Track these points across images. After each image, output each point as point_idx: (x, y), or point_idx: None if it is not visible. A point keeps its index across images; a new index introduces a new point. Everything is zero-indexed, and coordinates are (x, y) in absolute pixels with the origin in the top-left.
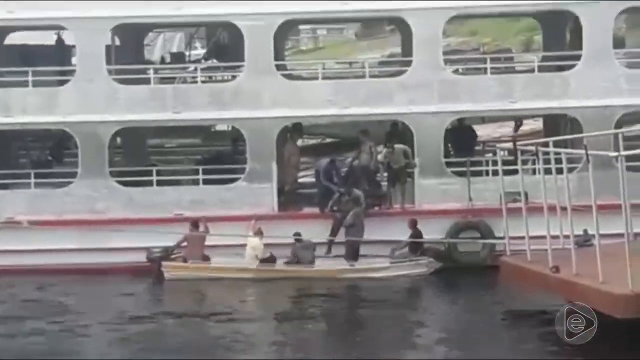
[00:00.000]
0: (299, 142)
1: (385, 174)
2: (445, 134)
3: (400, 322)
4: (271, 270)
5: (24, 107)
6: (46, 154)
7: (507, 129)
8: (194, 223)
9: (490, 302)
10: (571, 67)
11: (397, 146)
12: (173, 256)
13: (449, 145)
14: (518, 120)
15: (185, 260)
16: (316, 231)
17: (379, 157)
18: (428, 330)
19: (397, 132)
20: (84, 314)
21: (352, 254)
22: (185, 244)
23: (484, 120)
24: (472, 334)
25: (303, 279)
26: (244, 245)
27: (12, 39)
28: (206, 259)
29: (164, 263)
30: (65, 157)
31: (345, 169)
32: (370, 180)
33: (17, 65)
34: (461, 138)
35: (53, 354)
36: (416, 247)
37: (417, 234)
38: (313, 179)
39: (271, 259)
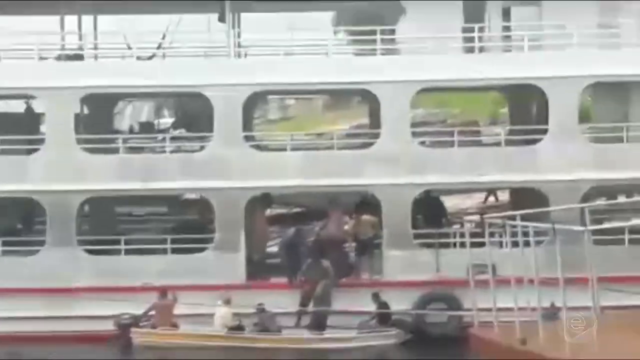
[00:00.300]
0: (267, 212)
1: (353, 244)
2: (413, 205)
3: None
4: (240, 337)
5: None
6: (14, 222)
7: (475, 200)
8: (162, 292)
9: None
10: (537, 141)
11: (365, 217)
12: (141, 324)
13: (418, 216)
14: (489, 192)
15: (154, 328)
16: (285, 301)
17: (346, 227)
18: None
19: (366, 202)
20: None
21: (318, 324)
22: (153, 312)
23: (451, 191)
24: None
25: (270, 349)
26: (212, 315)
27: None
28: (175, 327)
29: (132, 329)
30: (34, 225)
31: (312, 238)
32: (337, 250)
33: None
34: (429, 209)
35: None
36: (384, 318)
37: (383, 304)
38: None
39: (240, 327)
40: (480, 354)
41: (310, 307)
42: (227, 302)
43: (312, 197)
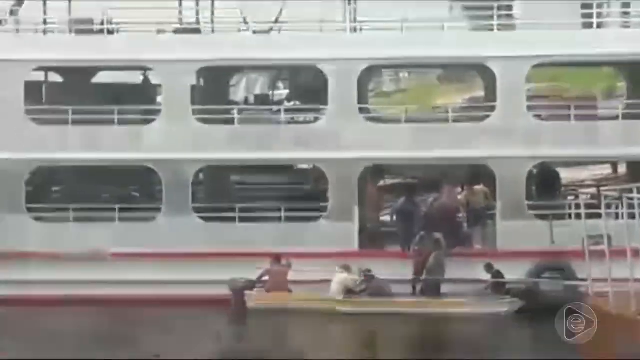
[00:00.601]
0: (381, 182)
1: (466, 215)
2: (529, 176)
3: None
4: (354, 302)
5: (111, 144)
6: (131, 190)
7: (590, 172)
8: (276, 258)
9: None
10: None
11: (477, 187)
12: (256, 288)
13: (534, 188)
14: (613, 165)
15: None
16: (398, 270)
17: (460, 197)
18: None
19: (477, 174)
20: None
21: (432, 292)
22: (266, 278)
23: (567, 164)
24: None
25: (385, 313)
26: (326, 281)
27: (100, 77)
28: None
29: (247, 293)
30: (151, 193)
31: (425, 209)
32: (451, 221)
33: (105, 103)
34: (546, 181)
35: None
36: (499, 288)
37: (497, 274)
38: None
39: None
40: (595, 324)
41: (424, 277)
42: (347, 268)
43: (426, 169)
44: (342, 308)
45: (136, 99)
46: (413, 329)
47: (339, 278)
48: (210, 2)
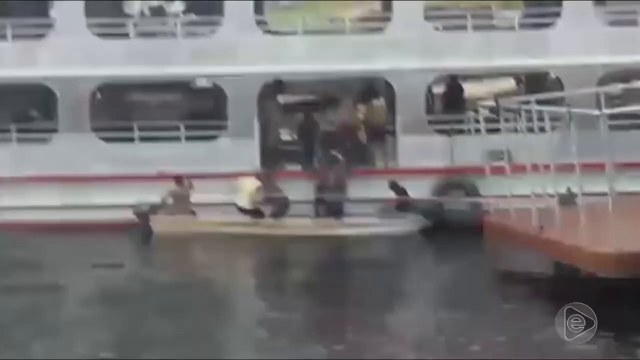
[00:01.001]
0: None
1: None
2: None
3: (386, 282)
4: (260, 224)
5: (2, 61)
6: (27, 109)
7: (486, 88)
8: (178, 179)
9: (475, 261)
10: (551, 24)
11: (375, 102)
12: (160, 212)
13: (440, 103)
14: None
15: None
16: (298, 189)
17: (359, 115)
18: (414, 289)
19: (373, 89)
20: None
21: (335, 213)
22: (170, 200)
23: (464, 77)
24: (456, 293)
25: (290, 236)
26: (226, 204)
27: None
28: (193, 214)
29: (152, 217)
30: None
31: (324, 126)
32: (351, 138)
33: None
34: (451, 96)
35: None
36: (404, 205)
37: (402, 191)
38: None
39: (259, 213)
40: (498, 241)
41: (326, 196)
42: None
43: (325, 85)
44: (246, 231)
45: (29, 12)
46: (317, 250)
47: (247, 185)
48: None
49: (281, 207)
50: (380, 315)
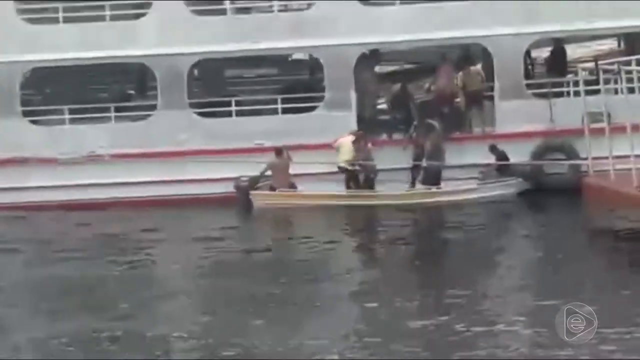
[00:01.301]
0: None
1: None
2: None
3: (485, 245)
4: (361, 195)
5: (101, 42)
6: (125, 87)
7: (586, 49)
8: (278, 151)
9: (575, 222)
10: None
11: (473, 68)
12: (260, 185)
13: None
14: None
15: (272, 189)
16: (396, 157)
17: (456, 81)
18: (511, 254)
19: (469, 56)
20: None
21: (432, 180)
22: (269, 172)
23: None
24: (556, 254)
25: (392, 205)
26: (326, 174)
27: None
28: (293, 186)
29: (252, 192)
30: (147, 90)
31: (421, 95)
32: (448, 104)
33: None
34: (554, 60)
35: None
36: (503, 169)
37: (502, 155)
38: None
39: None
40: (597, 202)
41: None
42: (356, 135)
43: (422, 54)
44: (345, 202)
45: None
46: (417, 217)
47: (348, 145)
48: None
49: (368, 175)
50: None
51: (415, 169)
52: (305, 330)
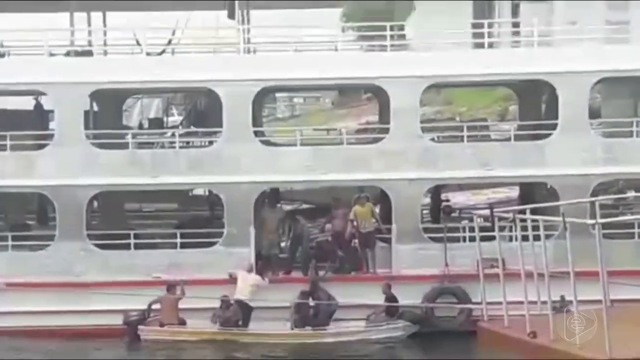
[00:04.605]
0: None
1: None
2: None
3: None
4: (248, 334)
5: (2, 171)
6: (24, 217)
7: (482, 196)
8: (170, 286)
9: None
10: (547, 136)
11: (365, 204)
12: (149, 319)
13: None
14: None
15: (161, 325)
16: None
17: (350, 215)
18: None
19: (365, 196)
20: None
21: (322, 320)
22: (158, 306)
23: (460, 187)
24: None
25: (277, 344)
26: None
27: None
28: (182, 322)
29: (140, 326)
30: (46, 220)
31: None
32: (344, 245)
33: None
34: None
35: None
36: (392, 311)
37: (391, 297)
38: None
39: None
40: (490, 348)
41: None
42: (250, 269)
43: (320, 194)
44: (232, 338)
45: (29, 124)
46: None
47: (250, 279)
48: (102, 24)
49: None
50: None
51: (299, 308)
52: None
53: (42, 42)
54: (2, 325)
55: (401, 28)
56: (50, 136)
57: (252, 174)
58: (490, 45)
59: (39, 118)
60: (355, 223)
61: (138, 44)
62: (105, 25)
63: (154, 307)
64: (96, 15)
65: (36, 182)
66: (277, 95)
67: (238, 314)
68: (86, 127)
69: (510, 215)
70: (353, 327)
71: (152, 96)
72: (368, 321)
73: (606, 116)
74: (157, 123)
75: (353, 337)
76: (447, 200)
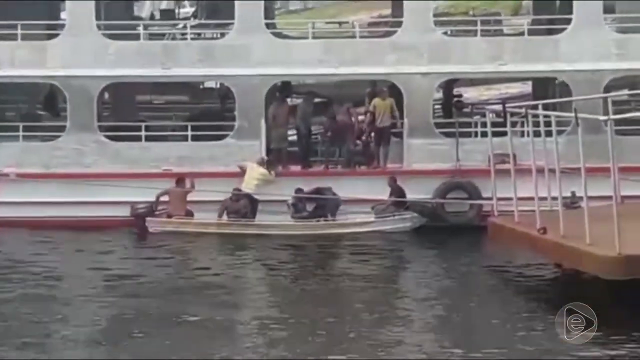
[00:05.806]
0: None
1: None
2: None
3: (383, 280)
4: (254, 225)
5: (12, 61)
6: (35, 107)
7: (495, 91)
8: (179, 179)
9: (476, 262)
10: (561, 31)
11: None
12: (157, 212)
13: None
14: None
15: (169, 217)
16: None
17: (370, 107)
18: (411, 289)
19: (376, 92)
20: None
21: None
22: (166, 198)
23: (472, 82)
24: (453, 294)
25: (286, 235)
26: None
27: None
28: (189, 214)
29: (147, 218)
30: (58, 111)
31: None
32: (351, 138)
33: (6, 19)
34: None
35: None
36: (399, 204)
37: (398, 190)
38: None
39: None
40: (500, 243)
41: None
42: (261, 163)
43: (333, 88)
44: (243, 231)
45: (40, 14)
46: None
47: (257, 172)
48: None
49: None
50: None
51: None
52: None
53: None
54: (13, 216)
55: None
56: (62, 26)
57: (263, 66)
58: None
59: (50, 7)
60: (372, 116)
61: None
62: None
63: (161, 199)
64: None
65: (47, 72)
66: None
67: (247, 206)
68: (97, 18)
69: (523, 110)
70: (360, 218)
71: None
72: (374, 210)
73: (620, 12)
74: (168, 14)
75: (361, 229)
76: (460, 95)
